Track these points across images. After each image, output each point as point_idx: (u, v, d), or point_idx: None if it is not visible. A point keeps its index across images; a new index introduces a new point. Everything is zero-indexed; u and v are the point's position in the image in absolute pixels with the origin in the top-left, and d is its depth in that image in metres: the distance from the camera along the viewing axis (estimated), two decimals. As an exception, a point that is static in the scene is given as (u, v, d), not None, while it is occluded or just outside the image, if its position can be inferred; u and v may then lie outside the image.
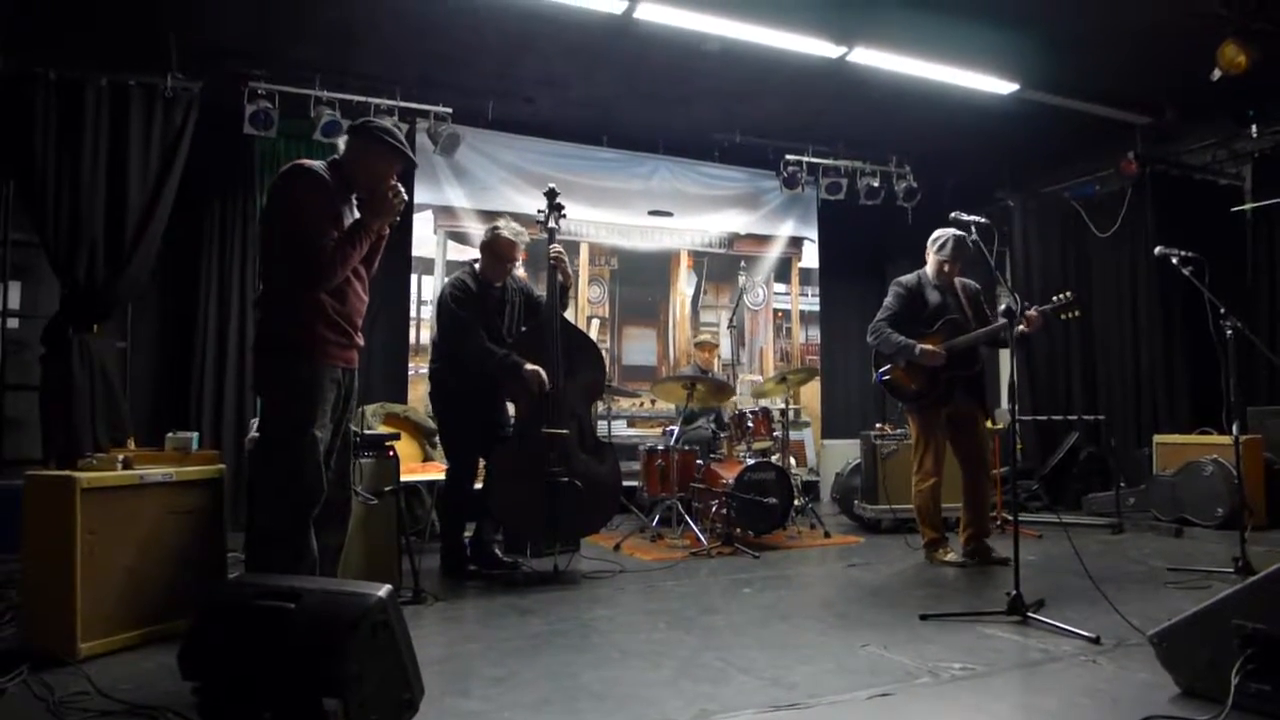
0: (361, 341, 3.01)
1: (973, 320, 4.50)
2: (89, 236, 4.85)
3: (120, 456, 3.05)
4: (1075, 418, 6.92)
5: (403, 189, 2.98)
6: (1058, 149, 7.42)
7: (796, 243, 7.80)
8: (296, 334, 2.76)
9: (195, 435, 3.37)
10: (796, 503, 5.92)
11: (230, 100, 5.55)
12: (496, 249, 4.25)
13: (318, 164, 2.89)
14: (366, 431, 4.02)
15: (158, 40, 5.08)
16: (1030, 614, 3.24)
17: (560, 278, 4.26)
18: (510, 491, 4.06)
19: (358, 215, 2.93)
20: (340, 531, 3.02)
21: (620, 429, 6.84)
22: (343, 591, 2.19)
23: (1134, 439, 6.84)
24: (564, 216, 4.44)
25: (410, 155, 3.05)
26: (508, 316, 4.31)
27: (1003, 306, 3.67)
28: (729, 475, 5.06)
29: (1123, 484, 6.31)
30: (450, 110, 6.15)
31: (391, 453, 3.89)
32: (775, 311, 7.68)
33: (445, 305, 4.20)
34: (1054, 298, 4.35)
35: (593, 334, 6.90)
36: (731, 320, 6.43)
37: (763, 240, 7.67)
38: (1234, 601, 2.36)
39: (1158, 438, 6.17)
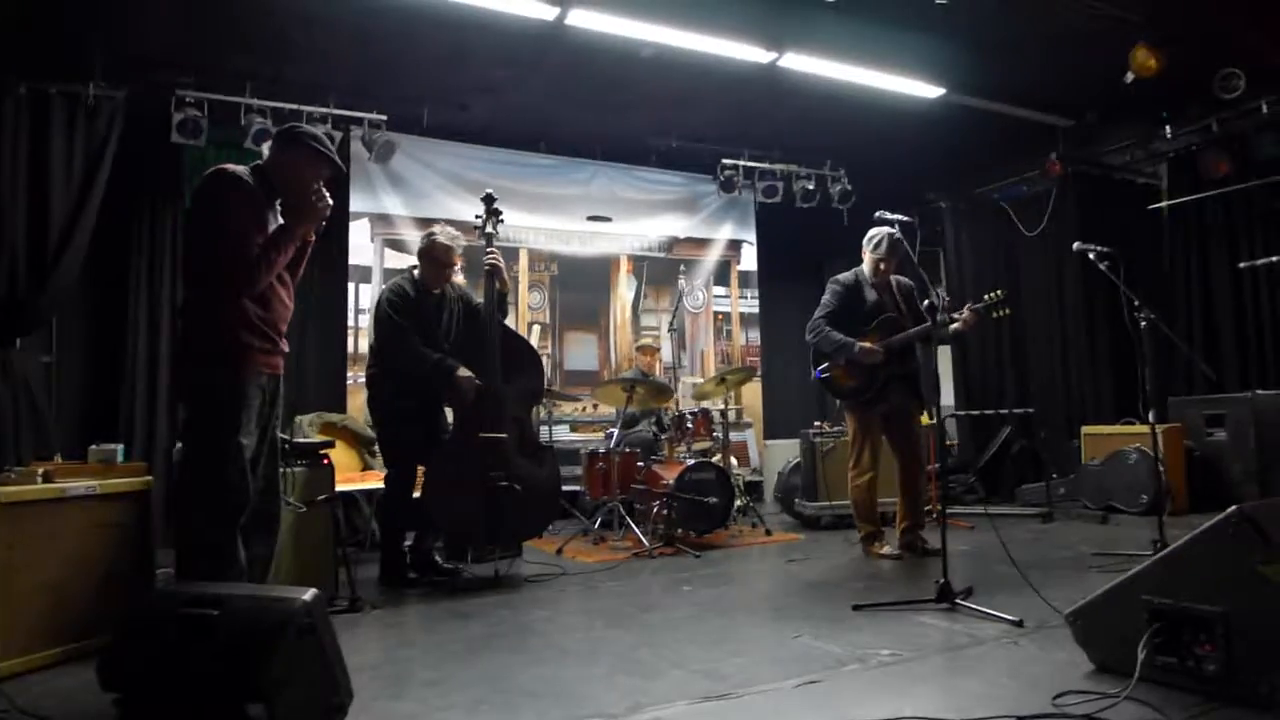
0: (286, 347, 2.99)
1: (908, 317, 4.61)
2: (9, 248, 4.74)
3: (41, 470, 2.98)
4: (1007, 411, 7.12)
5: (328, 195, 2.97)
6: (986, 151, 7.63)
7: (735, 246, 7.89)
8: (220, 341, 2.73)
9: (120, 448, 3.30)
10: (739, 502, 6.01)
11: (159, 109, 5.44)
12: (433, 254, 4.24)
13: (241, 169, 2.87)
14: (300, 439, 3.98)
15: (80, 48, 4.96)
16: (958, 601, 3.34)
17: (497, 284, 4.26)
18: (449, 497, 4.04)
19: (281, 221, 2.91)
20: (269, 541, 2.98)
21: (563, 434, 6.85)
22: (268, 597, 2.17)
23: (1064, 431, 7.06)
24: (501, 222, 4.44)
25: (338, 162, 3.04)
26: (446, 323, 4.30)
27: (925, 303, 3.78)
28: (669, 476, 5.10)
29: (1055, 475, 6.52)
30: (385, 118, 6.12)
31: (326, 460, 3.86)
32: (715, 314, 7.76)
33: (382, 311, 4.17)
34: (985, 296, 4.49)
35: (534, 339, 6.90)
36: (672, 324, 6.49)
37: (702, 244, 7.75)
38: (1142, 578, 2.46)
39: (1085, 429, 6.38)
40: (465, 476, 4.02)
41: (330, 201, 2.97)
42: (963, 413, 7.55)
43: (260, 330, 2.81)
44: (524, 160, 7.04)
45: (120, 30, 5.00)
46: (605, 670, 2.69)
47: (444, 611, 3.63)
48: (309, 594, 2.15)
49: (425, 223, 6.30)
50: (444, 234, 4.27)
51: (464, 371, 4.04)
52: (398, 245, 6.46)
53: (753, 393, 7.76)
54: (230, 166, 2.84)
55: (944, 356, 8.90)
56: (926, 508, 5.83)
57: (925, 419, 4.86)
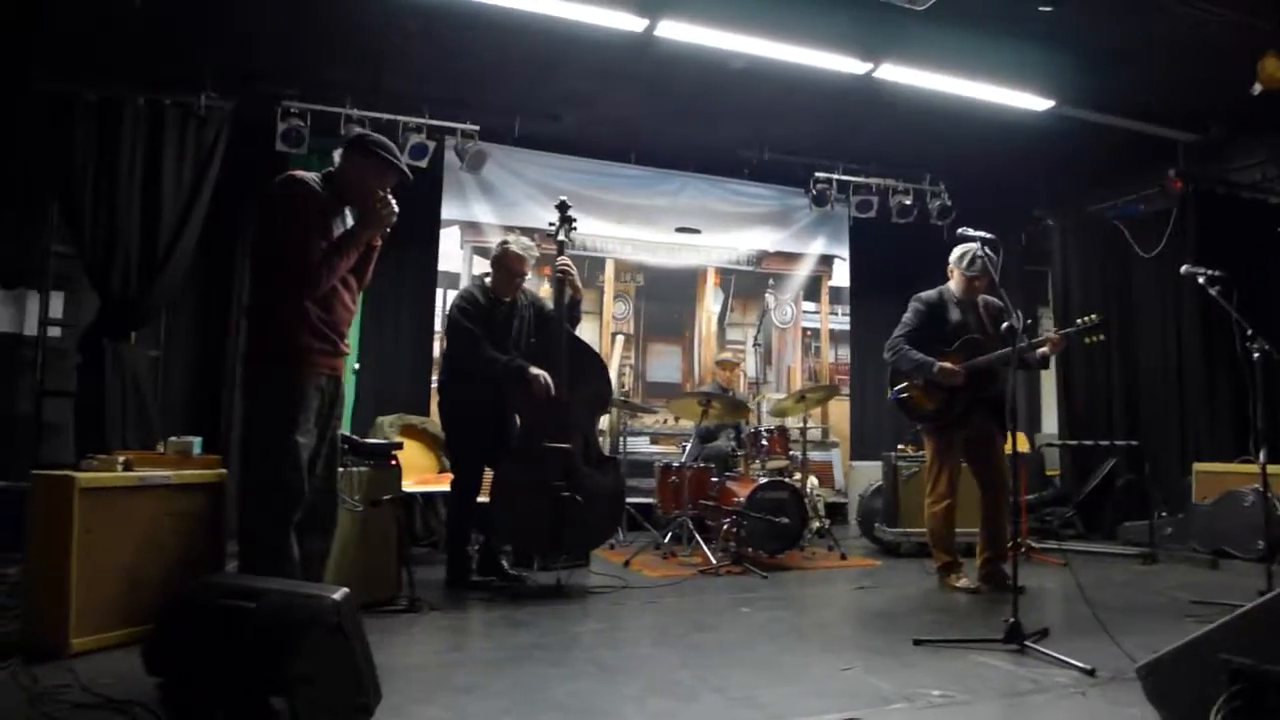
0: (348, 349, 3.06)
1: (995, 339, 4.38)
2: (124, 249, 5.07)
3: (121, 459, 3.15)
4: (1113, 443, 6.68)
5: (394, 202, 3.04)
6: (1099, 167, 7.22)
7: (827, 261, 7.73)
8: (281, 342, 2.82)
9: (198, 440, 3.46)
10: (817, 524, 5.87)
11: (264, 118, 5.72)
12: (505, 264, 4.30)
13: (310, 175, 2.97)
14: (371, 440, 4.09)
15: (193, 61, 5.28)
16: (1029, 643, 3.13)
17: (569, 291, 4.28)
18: (513, 504, 4.08)
19: (349, 227, 3.00)
20: (326, 537, 3.06)
21: (642, 445, 6.85)
22: (301, 594, 2.22)
23: (1176, 467, 6.57)
24: (575, 229, 4.47)
25: (404, 169, 3.11)
26: (516, 330, 4.34)
27: (1004, 326, 3.58)
28: (741, 494, 5.01)
29: (1163, 513, 6.08)
30: (477, 128, 6.26)
31: (394, 461, 3.95)
32: (804, 330, 7.61)
33: (453, 317, 4.26)
34: (1079, 320, 4.24)
35: (617, 350, 6.93)
36: (756, 338, 6.39)
37: (792, 258, 7.62)
38: (1222, 634, 2.24)
39: (1197, 466, 5.93)
40: (529, 485, 4.04)
41: (395, 208, 3.04)
42: (1066, 442, 7.14)
43: (321, 332, 2.89)
44: (613, 171, 7.08)
45: (230, 44, 5.30)
46: (640, 690, 2.64)
47: (499, 618, 3.66)
48: (340, 593, 2.19)
49: (514, 231, 6.44)
50: (517, 244, 4.32)
51: (536, 370, 4.07)
52: (486, 253, 6.55)
53: (840, 412, 7.57)
54: (299, 173, 2.95)
55: (1048, 382, 8.48)
56: (1015, 541, 5.58)
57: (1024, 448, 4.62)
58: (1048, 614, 3.77)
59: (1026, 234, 8.36)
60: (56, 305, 5.68)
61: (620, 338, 7.01)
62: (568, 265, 4.31)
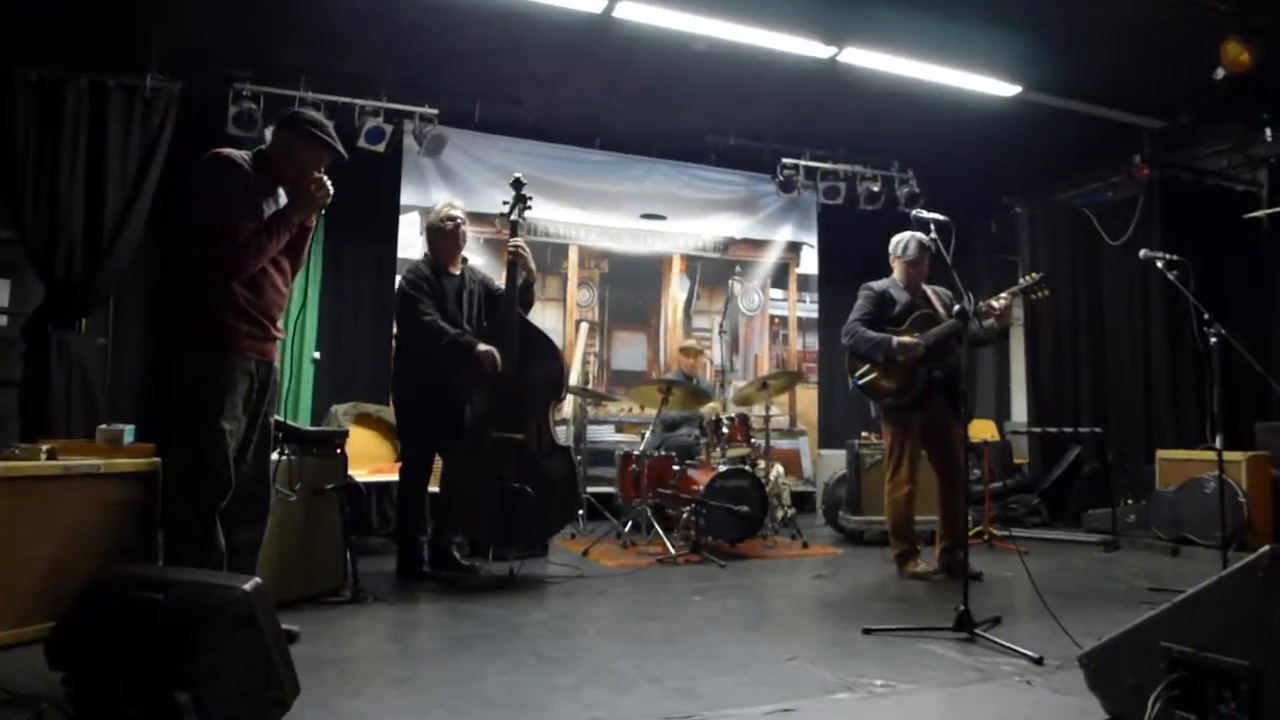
0: (281, 334, 2.97)
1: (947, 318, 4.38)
2: (67, 234, 4.93)
3: (45, 447, 3.05)
4: (1079, 430, 6.68)
5: (328, 182, 2.95)
6: (1067, 154, 7.20)
7: (795, 248, 7.66)
8: (206, 324, 2.73)
9: (129, 428, 3.36)
10: (782, 513, 5.82)
11: (215, 100, 5.58)
12: (437, 226, 4.25)
13: (240, 153, 2.87)
14: (315, 428, 4.00)
15: (139, 41, 5.14)
16: (979, 631, 3.10)
17: (521, 273, 4.20)
18: (462, 495, 4.02)
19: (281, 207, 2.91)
20: (257, 527, 2.97)
21: (608, 434, 6.78)
22: (210, 584, 2.14)
23: (1142, 454, 6.58)
24: (529, 208, 4.39)
25: (339, 148, 3.01)
26: (466, 305, 4.25)
27: (956, 308, 3.54)
28: (702, 482, 4.96)
29: (1128, 500, 6.08)
30: (436, 111, 6.14)
31: (339, 450, 3.86)
32: (772, 318, 7.54)
33: (400, 289, 4.17)
34: (1021, 279, 4.25)
35: (581, 338, 6.85)
36: (722, 325, 6.32)
37: (759, 245, 7.55)
38: (1162, 622, 2.20)
39: (1160, 453, 5.94)
40: (478, 476, 3.98)
41: (330, 189, 2.95)
42: (1033, 430, 7.13)
43: (249, 315, 2.80)
44: (577, 156, 6.98)
45: (178, 24, 5.15)
46: (576, 681, 2.58)
47: (444, 609, 3.58)
48: (250, 583, 2.11)
49: (477, 217, 6.31)
50: (441, 203, 4.28)
51: (484, 346, 3.98)
52: (447, 239, 6.48)
53: (808, 400, 7.53)
54: (228, 150, 2.85)
55: (1017, 369, 8.47)
56: (978, 529, 5.57)
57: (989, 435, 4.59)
58: (1001, 602, 3.74)
59: (996, 221, 8.35)
60: (2, 293, 5.53)
61: (584, 325, 6.93)
62: (520, 246, 4.22)
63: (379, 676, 2.64)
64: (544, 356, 4.19)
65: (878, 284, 4.53)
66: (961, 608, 3.15)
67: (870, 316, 4.41)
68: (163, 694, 1.97)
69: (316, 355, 6.19)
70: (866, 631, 3.16)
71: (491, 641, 3.03)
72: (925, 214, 3.75)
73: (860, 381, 4.38)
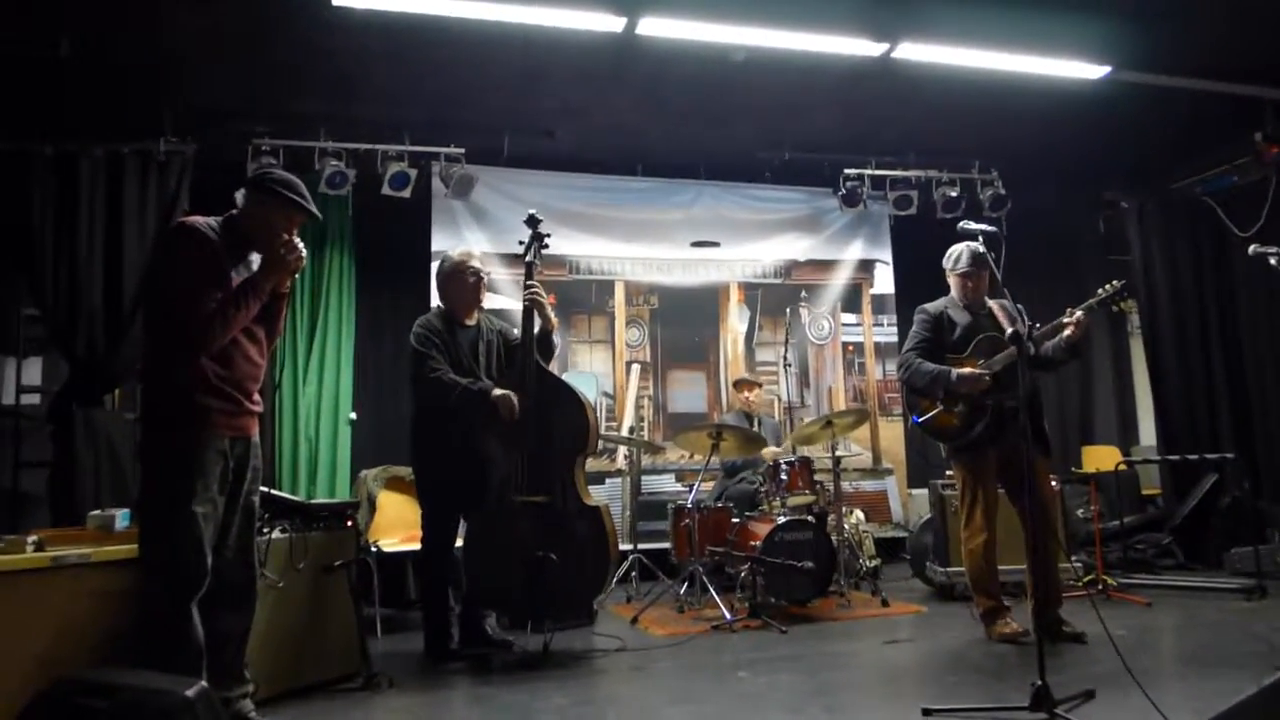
0: (258, 408, 2.99)
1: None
2: (87, 308, 5.18)
3: (32, 538, 3.13)
4: (1215, 455, 6.16)
5: (302, 245, 2.98)
6: (1175, 137, 6.78)
7: (866, 266, 7.47)
8: (175, 405, 2.77)
9: (123, 512, 3.44)
10: (868, 564, 5.60)
11: (235, 158, 5.80)
12: (451, 274, 4.25)
13: (206, 221, 2.93)
14: (320, 500, 4.03)
15: (150, 106, 5.41)
16: (1060, 712, 2.83)
17: (539, 321, 4.16)
18: (484, 566, 3.99)
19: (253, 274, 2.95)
20: (245, 613, 2.98)
21: (667, 484, 6.69)
22: (153, 690, 2.13)
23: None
24: (546, 247, 4.37)
25: (312, 209, 3.04)
26: (484, 358, 4.23)
27: (1009, 332, 3.32)
28: (761, 535, 4.80)
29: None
30: (463, 150, 6.25)
31: (349, 523, 3.87)
32: (845, 345, 7.36)
33: (410, 345, 4.17)
34: (1099, 289, 3.97)
35: (633, 381, 6.80)
36: (785, 357, 6.16)
37: (825, 266, 7.39)
38: (1249, 710, 1.96)
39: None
40: (500, 544, 3.93)
41: (303, 252, 2.98)
42: (1163, 457, 6.65)
43: (220, 390, 2.83)
44: (618, 185, 6.99)
45: (188, 85, 5.40)
46: (573, 783, 2.47)
47: (463, 695, 3.54)
48: (193, 689, 2.10)
49: (512, 259, 6.38)
50: (457, 251, 4.29)
51: (500, 390, 3.95)
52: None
53: (893, 434, 7.28)
54: (193, 219, 2.91)
55: (1142, 386, 7.96)
56: (1089, 578, 5.20)
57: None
58: (1102, 670, 3.43)
59: (1103, 220, 7.94)
60: (35, 371, 5.85)
61: (636, 367, 6.88)
62: (537, 291, 4.19)
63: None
64: (566, 408, 4.12)
65: (933, 305, 4.35)
66: (1038, 682, 2.89)
67: (926, 345, 4.22)
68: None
69: (353, 416, 6.32)
70: (926, 713, 2.93)
71: (495, 734, 2.95)
72: (972, 225, 3.60)
73: (921, 419, 4.17)
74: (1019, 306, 4.16)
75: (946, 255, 4.36)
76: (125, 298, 5.24)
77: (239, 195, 3.02)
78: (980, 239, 3.55)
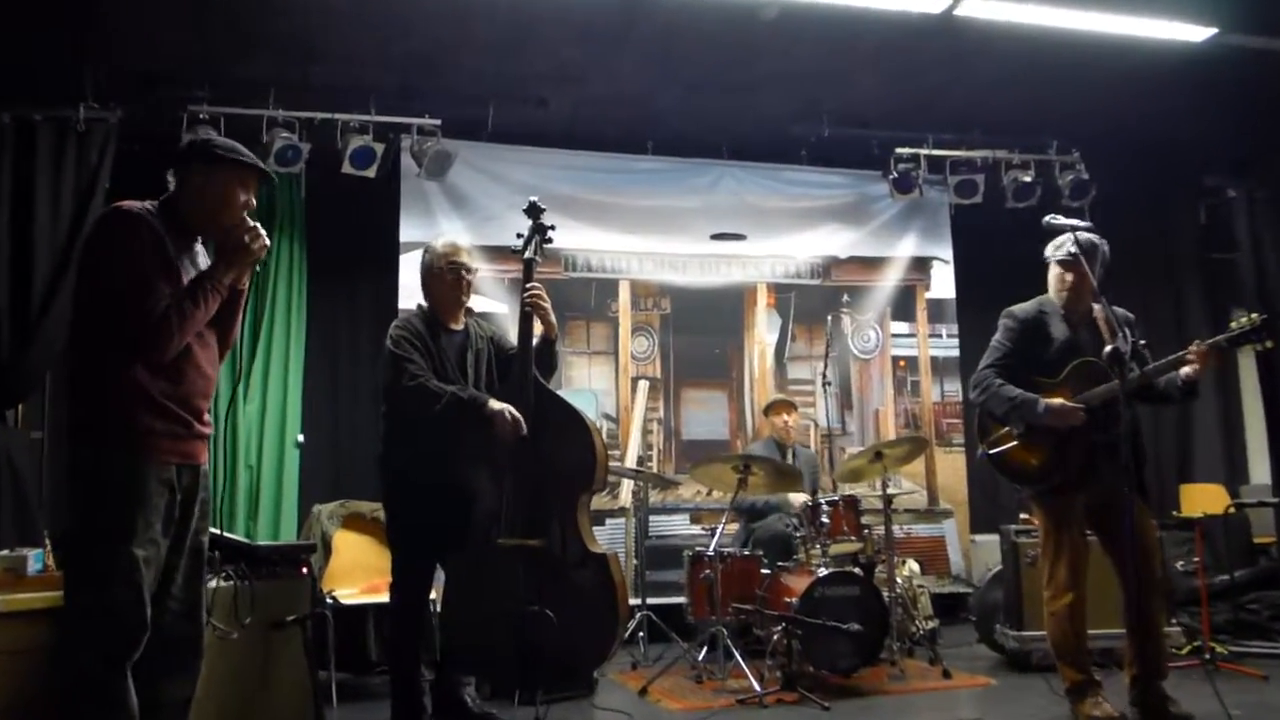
0: (208, 429, 3.01)
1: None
2: (-12, 306, 5.22)
3: (-73, 586, 3.16)
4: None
5: (263, 230, 3.01)
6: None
7: (921, 265, 7.54)
8: (111, 424, 2.77)
9: (36, 553, 3.46)
10: (923, 626, 5.63)
11: (168, 130, 5.83)
12: (432, 269, 4.28)
13: (142, 205, 2.94)
14: (271, 543, 4.06)
15: (70, 67, 5.46)
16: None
17: (539, 328, 4.19)
18: (466, 621, 3.99)
19: (204, 267, 2.98)
20: (189, 677, 2.98)
21: (680, 525, 6.72)
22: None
23: None
24: (549, 240, 4.39)
25: (264, 168, 3.09)
26: (473, 368, 4.25)
27: (1107, 350, 3.34)
28: (797, 590, 4.83)
29: None
30: (438, 122, 6.31)
31: (304, 570, 3.90)
32: (895, 360, 7.40)
33: (386, 350, 4.18)
34: (1232, 323, 3.97)
35: (640, 401, 6.83)
36: (824, 373, 6.17)
37: (872, 265, 7.45)
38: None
39: None
40: (486, 596, 3.94)
41: (266, 240, 3.00)
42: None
43: (165, 409, 2.83)
44: (624, 165, 7.04)
45: (114, 41, 5.45)
46: None
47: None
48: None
49: (496, 252, 6.44)
50: (441, 242, 4.33)
51: (498, 404, 3.95)
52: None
53: (952, 467, 7.32)
54: (127, 204, 2.92)
55: (1253, 415, 8.01)
56: (1195, 645, 5.22)
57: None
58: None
59: (1205, 210, 8.01)
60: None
61: (643, 383, 6.90)
62: (539, 293, 4.19)
63: None
64: (569, 433, 4.13)
65: (1023, 309, 4.31)
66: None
67: (1010, 362, 4.19)
68: None
69: (301, 439, 6.32)
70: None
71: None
72: (1062, 220, 3.59)
73: (992, 452, 4.18)
74: (1130, 316, 4.19)
75: (1053, 243, 4.23)
76: (34, 293, 5.27)
77: (171, 175, 3.05)
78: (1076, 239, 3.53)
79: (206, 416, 3.02)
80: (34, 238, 5.32)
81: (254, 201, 3.03)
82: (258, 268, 3.09)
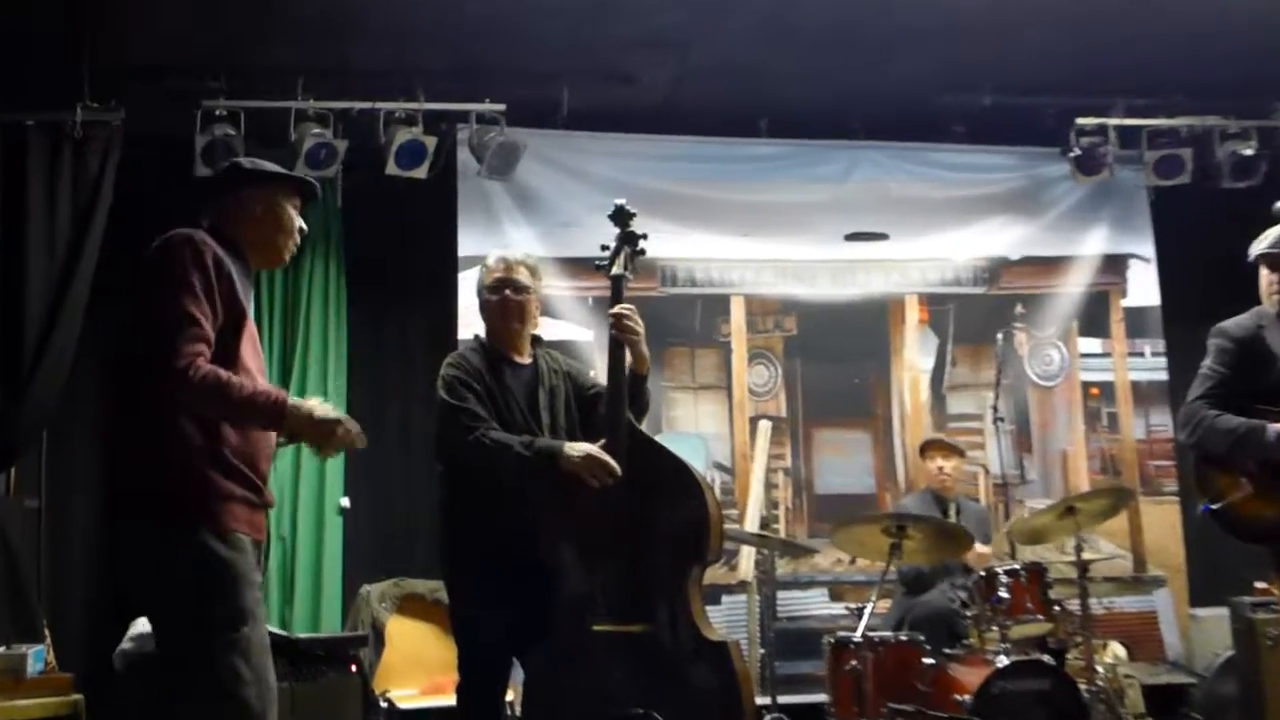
0: (272, 500, 3.08)
1: None
2: (-33, 348, 5.41)
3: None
4: None
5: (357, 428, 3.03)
6: None
7: (1116, 265, 7.44)
8: (191, 486, 2.79)
9: (36, 650, 3.56)
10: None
11: (179, 131, 6.00)
12: (491, 288, 4.26)
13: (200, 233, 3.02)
14: (318, 635, 4.12)
15: (66, 63, 5.66)
16: None
17: (629, 362, 4.18)
18: (551, 725, 4.00)
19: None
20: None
21: (816, 603, 6.68)
22: None
23: None
24: (641, 253, 4.37)
25: (303, 177, 3.21)
26: (547, 412, 4.24)
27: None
28: (968, 686, 4.74)
29: None
30: (503, 107, 6.37)
31: (354, 666, 3.94)
32: (1086, 387, 7.30)
33: (438, 397, 4.20)
34: None
35: (761, 445, 6.79)
36: (995, 406, 6.06)
37: (1051, 266, 7.39)
38: None
39: None
40: (575, 696, 3.93)
41: (364, 437, 3.04)
42: None
43: (239, 471, 2.86)
44: (731, 152, 7.09)
45: (114, 32, 5.63)
46: None
47: None
48: None
49: (577, 266, 6.46)
50: (494, 254, 4.35)
51: (576, 448, 3.95)
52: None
53: (1164, 523, 7.15)
54: (189, 230, 2.99)
55: None
56: None
57: None
58: None
59: None
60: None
61: (765, 425, 6.88)
62: (630, 317, 4.18)
63: None
64: (674, 492, 4.11)
65: (1237, 324, 4.29)
66: None
67: (1224, 391, 4.14)
68: None
69: (345, 502, 6.40)
70: None
71: None
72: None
73: (1216, 507, 4.07)
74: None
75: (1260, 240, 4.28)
76: (27, 336, 5.44)
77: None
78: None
79: (270, 488, 3.07)
80: (27, 269, 5.49)
81: (305, 226, 3.21)
82: (258, 296, 3.18)
